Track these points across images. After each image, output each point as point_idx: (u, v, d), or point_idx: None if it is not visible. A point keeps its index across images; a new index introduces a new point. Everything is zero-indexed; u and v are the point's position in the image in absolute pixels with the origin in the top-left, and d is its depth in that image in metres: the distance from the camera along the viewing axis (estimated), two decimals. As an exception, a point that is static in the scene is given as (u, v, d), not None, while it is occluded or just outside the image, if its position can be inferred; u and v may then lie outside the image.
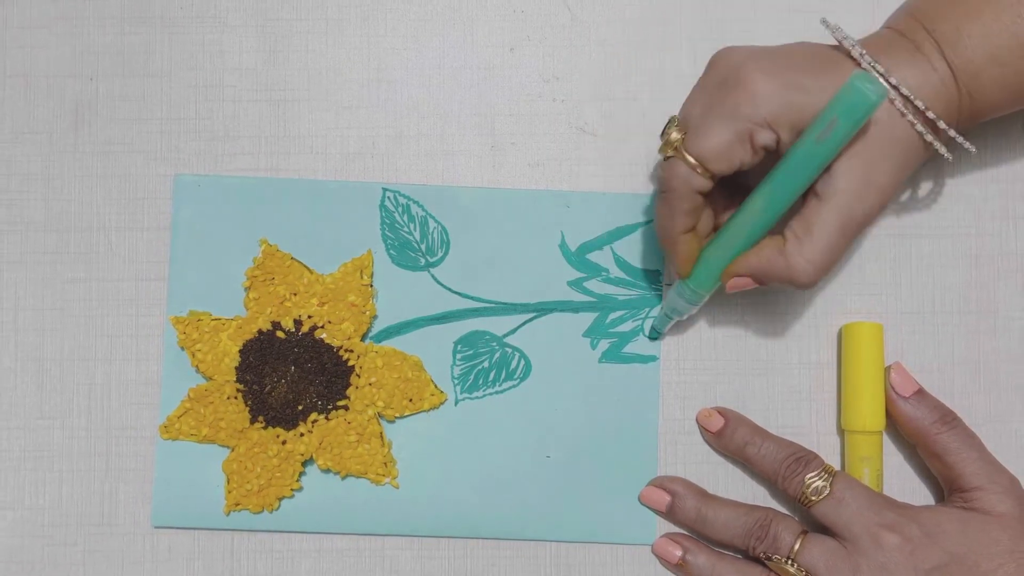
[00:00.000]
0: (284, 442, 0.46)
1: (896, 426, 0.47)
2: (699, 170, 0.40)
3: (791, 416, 0.48)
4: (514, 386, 0.48)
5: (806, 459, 0.45)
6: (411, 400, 0.47)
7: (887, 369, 0.47)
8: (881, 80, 0.40)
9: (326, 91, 0.49)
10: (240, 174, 0.49)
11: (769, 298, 0.48)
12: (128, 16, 0.49)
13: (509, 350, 0.48)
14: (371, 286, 0.48)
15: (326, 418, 0.47)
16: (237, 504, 0.47)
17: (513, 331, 0.48)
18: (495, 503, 0.47)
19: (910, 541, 0.42)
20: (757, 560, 0.45)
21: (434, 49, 0.49)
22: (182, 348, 0.47)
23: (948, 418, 0.45)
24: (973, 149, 0.42)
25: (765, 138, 0.40)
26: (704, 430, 0.48)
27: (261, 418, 0.46)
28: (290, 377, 0.47)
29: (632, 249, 0.48)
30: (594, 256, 0.48)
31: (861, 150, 0.40)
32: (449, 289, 0.48)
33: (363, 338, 0.47)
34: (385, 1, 0.49)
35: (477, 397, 0.48)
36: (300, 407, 0.46)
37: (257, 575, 0.47)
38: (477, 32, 0.49)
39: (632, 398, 0.48)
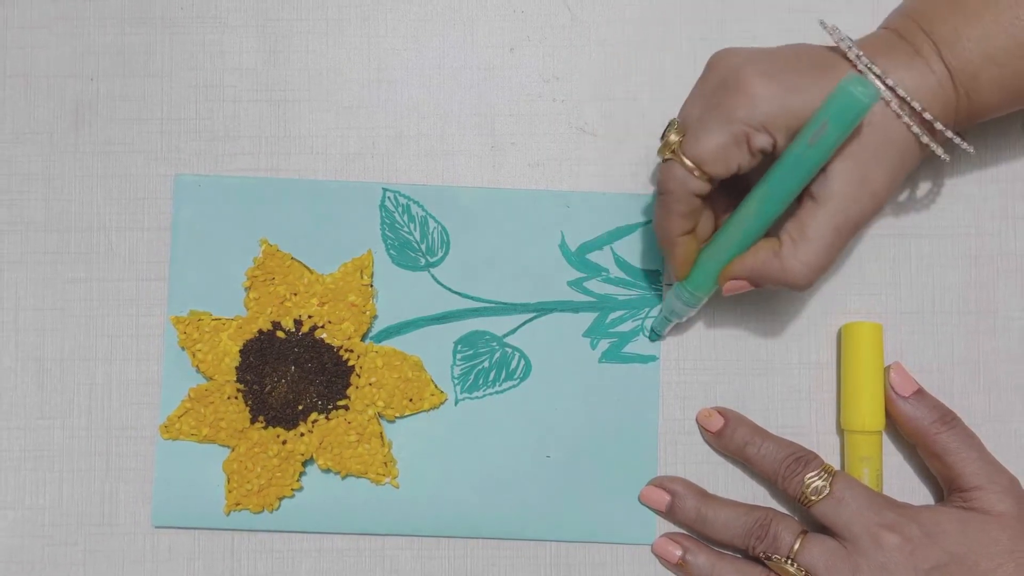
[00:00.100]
0: (284, 442, 0.46)
1: (896, 426, 0.47)
2: (696, 173, 0.40)
3: (791, 416, 0.48)
4: (514, 386, 0.48)
5: (806, 459, 0.45)
6: (411, 400, 0.47)
7: (887, 369, 0.47)
8: (877, 82, 0.40)
9: (326, 91, 0.49)
10: (240, 174, 0.49)
11: (769, 298, 0.48)
12: (128, 16, 0.49)
13: (509, 350, 0.48)
14: (371, 286, 0.48)
15: (326, 418, 0.47)
16: (237, 504, 0.47)
17: (513, 331, 0.48)
18: (495, 503, 0.47)
19: (910, 541, 0.42)
20: (757, 560, 0.45)
21: (434, 49, 0.49)
22: (182, 348, 0.47)
23: (947, 418, 0.45)
24: (971, 150, 0.42)
25: (762, 141, 0.40)
26: (704, 430, 0.48)
27: (261, 418, 0.46)
28: (290, 377, 0.47)
29: (632, 249, 0.48)
30: (594, 256, 0.48)
31: (857, 152, 0.40)
32: (449, 289, 0.48)
33: (363, 338, 0.47)
34: (385, 1, 0.49)
35: (477, 397, 0.48)
36: (300, 407, 0.47)
37: (257, 575, 0.47)
38: (477, 32, 0.49)
39: (632, 398, 0.48)
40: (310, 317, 0.47)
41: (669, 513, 0.46)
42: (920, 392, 0.46)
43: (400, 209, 0.48)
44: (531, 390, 0.48)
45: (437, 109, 0.49)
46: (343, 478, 0.47)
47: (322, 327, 0.47)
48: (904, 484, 0.48)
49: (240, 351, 0.47)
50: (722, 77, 0.40)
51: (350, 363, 0.47)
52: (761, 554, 0.44)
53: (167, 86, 0.49)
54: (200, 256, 0.48)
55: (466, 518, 0.47)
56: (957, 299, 0.48)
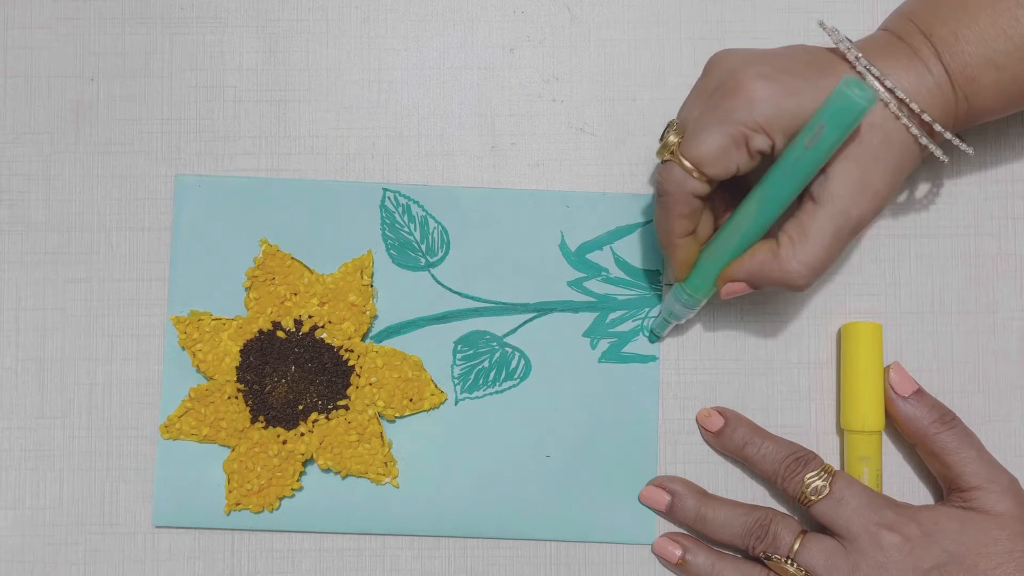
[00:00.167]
0: (285, 442, 0.46)
1: (895, 426, 0.47)
2: (695, 174, 0.40)
3: (790, 416, 0.48)
4: (514, 386, 0.48)
5: (805, 459, 0.45)
6: (411, 400, 0.47)
7: (886, 369, 0.47)
8: (876, 83, 0.40)
9: (327, 91, 0.49)
10: (241, 174, 0.49)
11: (769, 298, 0.48)
12: (129, 17, 0.49)
13: (509, 350, 0.48)
14: (371, 286, 0.48)
15: (326, 418, 0.47)
16: (238, 504, 0.47)
17: (513, 331, 0.48)
18: (495, 503, 0.47)
19: (909, 540, 0.42)
20: (757, 559, 0.45)
21: (434, 50, 0.49)
22: (183, 348, 0.47)
23: (947, 418, 0.45)
24: (971, 151, 0.42)
25: (760, 143, 0.40)
26: (704, 430, 0.48)
27: (262, 418, 0.47)
28: (290, 377, 0.47)
29: (632, 249, 0.48)
30: (594, 256, 0.48)
31: (856, 154, 0.40)
32: (449, 289, 0.48)
33: (363, 338, 0.47)
34: (385, 2, 0.49)
35: (477, 397, 0.48)
36: (300, 407, 0.47)
37: (258, 574, 0.47)
38: (477, 33, 0.49)
39: (632, 398, 0.48)
40: (310, 317, 0.47)
41: (669, 513, 0.47)
42: (919, 392, 0.46)
43: (400, 209, 0.48)
44: (531, 390, 0.48)
45: (437, 109, 0.49)
46: (343, 478, 0.47)
47: (322, 327, 0.47)
48: (904, 484, 0.48)
49: (240, 351, 0.47)
50: (721, 79, 0.40)
51: (350, 363, 0.47)
52: (761, 554, 0.44)
53: (167, 86, 0.49)
54: (200, 256, 0.48)
55: (466, 518, 0.47)
56: (957, 299, 0.48)
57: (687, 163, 0.40)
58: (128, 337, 0.48)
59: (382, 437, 0.47)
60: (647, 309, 0.48)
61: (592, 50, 0.49)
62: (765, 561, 0.44)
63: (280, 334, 0.47)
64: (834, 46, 0.42)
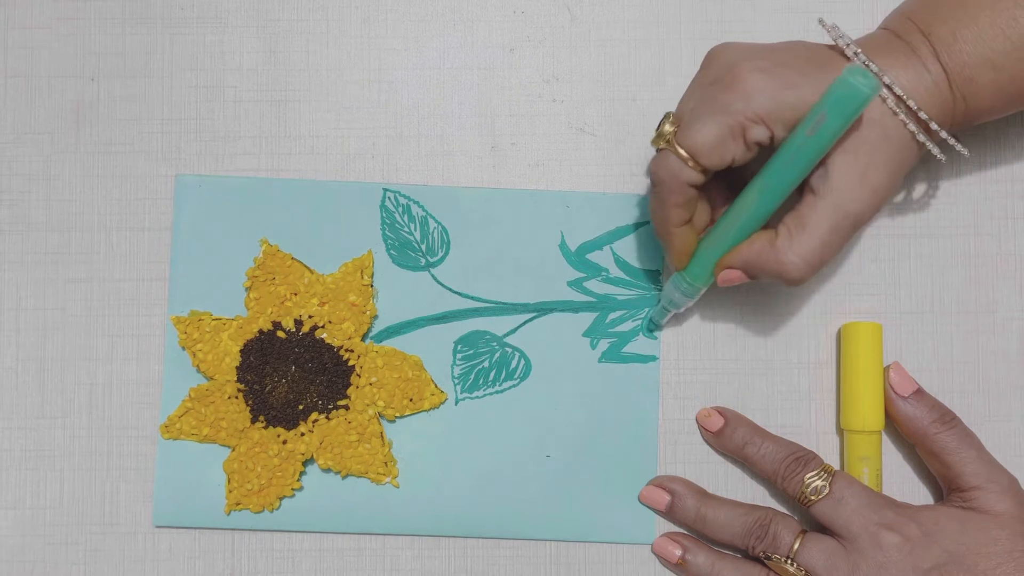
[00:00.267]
0: (285, 442, 0.47)
1: (895, 426, 0.47)
2: (690, 163, 0.40)
3: (790, 416, 0.48)
4: (514, 386, 0.48)
5: (805, 458, 0.45)
6: (411, 400, 0.47)
7: (886, 369, 0.47)
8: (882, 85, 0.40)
9: (327, 92, 0.49)
10: (241, 174, 0.49)
11: (769, 298, 0.48)
12: (129, 17, 0.49)
13: (509, 350, 0.48)
14: (371, 286, 0.48)
15: (327, 418, 0.47)
16: (238, 503, 0.47)
17: (513, 331, 0.48)
18: (495, 502, 0.47)
19: (909, 540, 0.42)
20: (756, 559, 0.45)
21: (434, 50, 0.49)
22: (183, 348, 0.47)
23: (947, 418, 0.45)
24: (967, 153, 0.42)
25: (758, 134, 0.40)
26: (704, 430, 0.48)
27: (262, 418, 0.47)
28: (291, 377, 0.47)
29: (632, 249, 0.48)
30: (594, 256, 0.48)
31: (856, 147, 0.40)
32: (449, 289, 0.48)
33: (364, 338, 0.47)
34: (385, 2, 0.49)
35: (477, 397, 0.48)
36: (301, 407, 0.47)
37: (258, 574, 0.47)
38: (477, 33, 0.49)
39: (632, 398, 0.48)
40: (311, 317, 0.47)
41: (669, 513, 0.47)
42: (919, 392, 0.46)
43: (400, 209, 0.48)
44: (531, 390, 0.48)
45: (437, 109, 0.49)
46: (343, 478, 0.47)
47: (322, 327, 0.47)
48: (903, 484, 0.48)
49: (241, 351, 0.47)
50: (718, 72, 0.40)
51: (350, 363, 0.47)
52: (761, 553, 0.44)
53: (168, 86, 0.49)
54: (201, 256, 0.48)
55: (466, 517, 0.47)
56: (956, 299, 0.48)
57: (683, 152, 0.40)
58: (128, 337, 0.48)
59: (382, 437, 0.47)
60: (647, 309, 0.48)
61: (592, 50, 0.49)
62: (765, 561, 0.44)
63: (280, 334, 0.47)
64: (833, 44, 0.42)
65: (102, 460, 0.48)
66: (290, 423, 0.47)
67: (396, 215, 0.48)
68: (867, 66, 0.40)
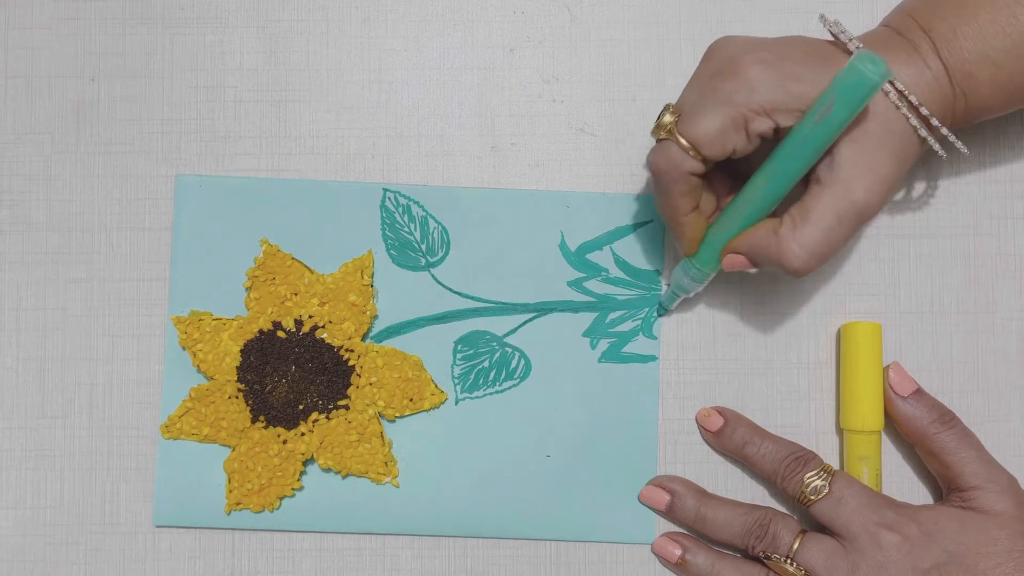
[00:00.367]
0: (285, 441, 0.47)
1: (895, 425, 0.47)
2: (691, 153, 0.40)
3: (790, 416, 0.48)
4: (514, 386, 0.48)
5: (805, 458, 0.45)
6: (411, 400, 0.47)
7: (886, 369, 0.47)
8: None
9: (327, 92, 0.49)
10: (241, 174, 0.49)
11: (769, 298, 0.49)
12: (129, 17, 0.49)
13: (509, 350, 0.48)
14: (372, 286, 0.48)
15: (327, 417, 0.47)
16: (238, 503, 0.47)
17: (513, 331, 0.48)
18: (495, 502, 0.47)
19: (908, 540, 0.42)
20: (756, 559, 0.45)
21: (434, 50, 0.49)
22: (183, 348, 0.47)
23: (946, 417, 0.45)
24: (966, 151, 0.42)
25: (761, 125, 0.40)
26: (703, 429, 0.48)
27: (262, 417, 0.47)
28: (291, 377, 0.47)
29: (632, 249, 0.48)
30: (594, 256, 0.48)
31: (863, 139, 0.40)
32: (449, 289, 0.48)
33: (364, 338, 0.48)
34: (386, 2, 0.49)
35: (477, 397, 0.48)
36: (301, 407, 0.47)
37: (258, 574, 0.47)
38: (477, 33, 0.49)
39: (632, 398, 0.48)
40: (311, 317, 0.47)
41: (669, 512, 0.47)
42: (919, 392, 0.46)
43: (400, 209, 0.48)
44: (531, 390, 0.48)
45: (437, 109, 0.49)
46: (343, 477, 0.47)
47: (323, 327, 0.47)
48: (903, 484, 0.48)
49: (241, 351, 0.47)
50: (720, 64, 0.40)
51: (351, 363, 0.47)
52: (760, 553, 0.44)
53: (168, 87, 0.49)
54: (201, 256, 0.48)
55: (466, 517, 0.47)
56: (956, 299, 0.48)
57: (684, 142, 0.40)
58: (129, 337, 0.48)
59: (382, 437, 0.47)
60: (647, 309, 0.48)
61: (592, 50, 0.49)
62: (765, 561, 0.44)
63: (280, 334, 0.47)
64: (833, 39, 0.42)
65: (102, 460, 0.48)
66: (290, 423, 0.47)
67: (396, 215, 0.48)
68: None
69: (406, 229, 0.48)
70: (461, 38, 0.49)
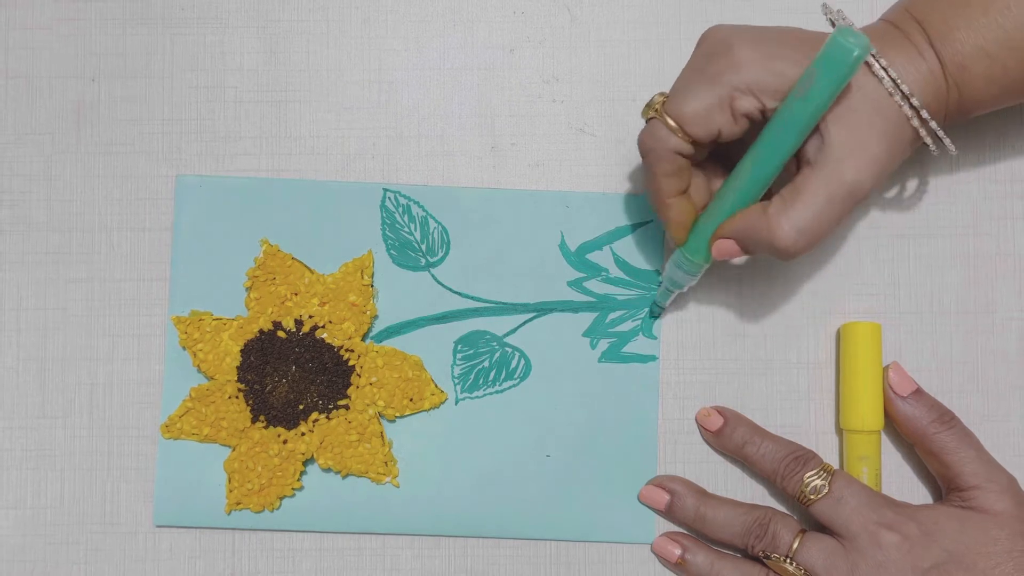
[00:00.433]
0: (285, 441, 0.47)
1: (894, 425, 0.47)
2: (679, 133, 0.40)
3: (790, 415, 0.48)
4: (514, 386, 0.48)
5: (805, 458, 0.45)
6: (412, 399, 0.47)
7: (885, 369, 0.47)
8: (872, 62, 0.40)
9: (327, 92, 0.49)
10: (241, 175, 0.49)
11: (769, 298, 0.49)
12: (130, 17, 0.49)
13: (509, 350, 0.48)
14: (372, 286, 0.48)
15: (327, 417, 0.47)
16: (238, 503, 0.47)
17: (513, 331, 0.48)
18: (495, 502, 0.47)
19: (908, 539, 0.42)
20: (756, 559, 0.45)
21: (435, 50, 0.49)
22: (183, 348, 0.47)
23: (946, 417, 0.45)
24: (954, 150, 0.42)
25: (747, 105, 0.40)
26: (703, 429, 0.48)
27: (262, 417, 0.47)
28: (291, 377, 0.47)
29: (632, 249, 0.48)
30: (594, 256, 0.48)
31: (853, 120, 0.40)
32: (449, 289, 0.48)
33: (364, 338, 0.48)
34: (386, 2, 0.50)
35: (477, 396, 0.48)
36: (301, 406, 0.47)
37: (258, 574, 0.47)
38: (477, 33, 0.49)
39: (632, 398, 0.48)
40: (311, 317, 0.47)
41: (668, 512, 0.47)
42: (918, 392, 0.46)
43: (401, 209, 0.48)
44: (531, 390, 0.48)
45: (437, 110, 0.49)
46: (344, 477, 0.47)
47: (323, 327, 0.47)
48: (903, 483, 0.48)
49: (241, 351, 0.47)
50: (711, 48, 0.41)
51: (351, 363, 0.47)
52: (760, 553, 0.44)
53: (168, 87, 0.49)
54: (201, 256, 0.48)
55: (466, 517, 0.47)
56: (955, 299, 0.48)
57: (671, 121, 0.40)
58: (129, 337, 0.48)
59: (382, 437, 0.47)
60: (647, 309, 0.48)
61: (592, 51, 0.49)
62: (764, 560, 0.44)
63: (281, 334, 0.47)
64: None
65: (103, 460, 0.48)
66: (290, 423, 0.47)
67: (396, 215, 0.48)
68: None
69: (406, 229, 0.48)
70: (461, 38, 0.49)
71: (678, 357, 0.48)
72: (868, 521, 0.43)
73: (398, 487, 0.47)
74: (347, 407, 0.47)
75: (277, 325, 0.47)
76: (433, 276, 0.48)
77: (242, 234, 0.48)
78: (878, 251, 0.49)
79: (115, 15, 0.49)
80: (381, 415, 0.47)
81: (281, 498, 0.47)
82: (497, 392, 0.48)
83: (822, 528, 0.44)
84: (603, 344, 0.48)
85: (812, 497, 0.44)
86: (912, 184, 0.49)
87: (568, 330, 0.48)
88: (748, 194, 0.41)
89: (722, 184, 0.43)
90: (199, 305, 0.48)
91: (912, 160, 0.48)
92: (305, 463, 0.47)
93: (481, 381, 0.48)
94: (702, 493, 0.46)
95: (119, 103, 0.49)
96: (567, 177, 0.49)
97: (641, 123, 0.49)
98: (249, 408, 0.47)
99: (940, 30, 0.40)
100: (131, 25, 0.49)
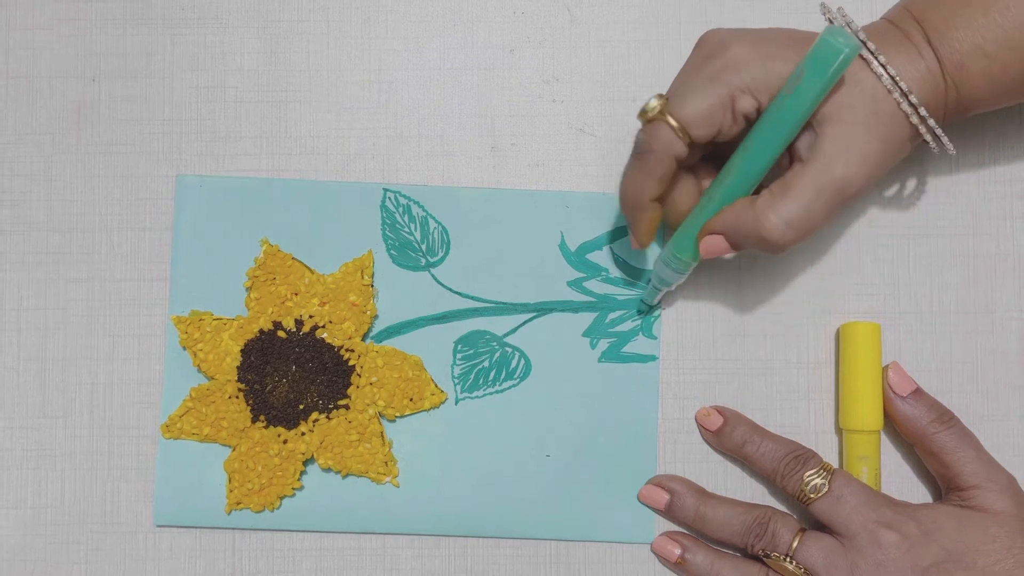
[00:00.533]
0: (285, 441, 0.47)
1: (894, 425, 0.47)
2: (680, 135, 0.40)
3: (790, 415, 0.48)
4: (514, 385, 0.48)
5: (805, 457, 0.45)
6: (412, 399, 0.47)
7: (885, 368, 0.47)
8: (872, 59, 0.40)
9: (327, 92, 0.49)
10: (242, 175, 0.49)
11: (769, 298, 0.49)
12: (130, 18, 0.49)
13: (509, 350, 0.48)
14: (372, 286, 0.48)
15: (327, 417, 0.47)
16: (238, 503, 0.47)
17: (513, 331, 0.48)
18: (495, 502, 0.47)
19: (907, 539, 0.42)
20: (756, 558, 0.45)
21: (435, 50, 0.49)
22: (184, 348, 0.47)
23: (945, 417, 0.45)
24: (952, 149, 0.42)
25: (746, 104, 0.40)
26: (703, 429, 0.48)
27: (262, 417, 0.47)
28: (291, 376, 0.47)
29: (631, 249, 0.48)
30: (594, 256, 0.48)
31: (847, 117, 0.40)
32: (449, 289, 0.48)
33: (364, 338, 0.48)
34: (386, 3, 0.50)
35: (477, 396, 0.48)
36: (301, 406, 0.47)
37: (258, 574, 0.47)
38: (477, 33, 0.49)
39: (631, 397, 0.48)
40: (311, 317, 0.47)
41: (668, 512, 0.47)
42: (918, 391, 0.46)
43: (401, 209, 0.48)
44: (531, 389, 0.48)
45: (437, 110, 0.49)
46: (344, 477, 0.47)
47: (323, 327, 0.47)
48: (902, 483, 0.48)
49: (241, 351, 0.47)
50: (709, 50, 0.41)
51: (351, 363, 0.47)
52: (760, 552, 0.44)
53: (168, 87, 0.49)
54: (201, 256, 0.48)
55: (466, 517, 0.47)
56: (955, 299, 0.49)
57: (674, 122, 0.40)
58: (129, 337, 0.48)
59: (382, 436, 0.47)
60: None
61: (592, 51, 0.49)
62: (764, 559, 0.44)
63: (281, 334, 0.47)
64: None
65: (103, 459, 0.48)
66: (291, 423, 0.47)
67: (396, 215, 0.48)
68: (865, 44, 0.40)
69: (406, 229, 0.48)
70: (461, 38, 0.49)
71: (678, 357, 0.48)
72: (868, 520, 0.43)
73: (398, 487, 0.47)
74: (347, 407, 0.47)
75: (277, 325, 0.47)
76: (433, 276, 0.48)
77: (242, 234, 0.48)
78: (878, 251, 0.49)
79: (115, 15, 0.49)
80: (381, 415, 0.47)
81: (281, 498, 0.47)
82: (497, 392, 0.48)
83: (822, 527, 0.44)
84: (603, 344, 0.48)
85: (812, 496, 0.44)
86: (911, 184, 0.49)
87: (568, 330, 0.48)
88: (737, 190, 0.41)
89: (712, 182, 0.43)
90: (199, 305, 0.48)
91: (911, 160, 0.48)
92: (305, 463, 0.47)
93: (481, 381, 0.48)
94: (702, 492, 0.47)
95: (119, 103, 0.49)
96: (567, 177, 0.49)
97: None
98: (249, 408, 0.47)
99: (939, 29, 0.40)
100: (131, 25, 0.49)
